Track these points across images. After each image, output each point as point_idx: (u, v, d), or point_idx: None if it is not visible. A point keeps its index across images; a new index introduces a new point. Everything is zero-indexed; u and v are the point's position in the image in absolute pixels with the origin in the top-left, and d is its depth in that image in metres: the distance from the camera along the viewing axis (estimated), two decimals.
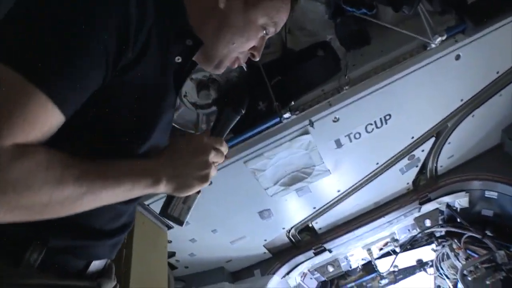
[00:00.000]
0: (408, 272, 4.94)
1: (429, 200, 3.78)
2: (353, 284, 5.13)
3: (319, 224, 3.77)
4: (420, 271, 4.82)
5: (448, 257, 4.25)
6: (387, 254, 4.52)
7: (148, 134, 1.16)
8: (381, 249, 4.43)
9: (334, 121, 2.77)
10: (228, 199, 3.13)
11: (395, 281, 5.04)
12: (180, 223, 1.32)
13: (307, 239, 3.92)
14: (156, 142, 1.21)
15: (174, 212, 1.30)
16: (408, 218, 3.96)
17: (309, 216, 3.61)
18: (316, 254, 3.94)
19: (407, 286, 5.13)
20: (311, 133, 2.77)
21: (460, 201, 3.86)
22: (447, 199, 3.82)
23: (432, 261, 4.58)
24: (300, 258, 3.99)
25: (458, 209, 3.96)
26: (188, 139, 1.24)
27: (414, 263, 4.71)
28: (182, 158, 1.19)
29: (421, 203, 3.77)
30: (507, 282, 3.71)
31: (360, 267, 4.84)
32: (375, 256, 4.53)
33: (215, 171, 1.27)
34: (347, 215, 3.79)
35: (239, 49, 1.31)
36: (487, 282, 3.74)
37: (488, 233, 3.86)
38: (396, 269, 4.65)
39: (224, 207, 3.19)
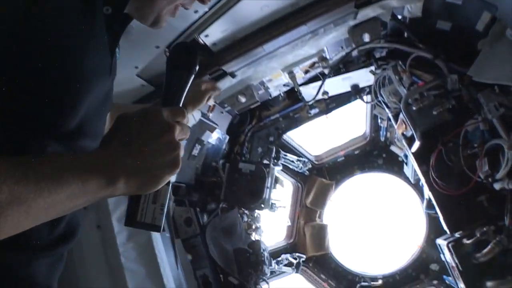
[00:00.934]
0: (341, 100, 4.15)
1: (370, 3, 2.72)
2: (277, 115, 4.35)
3: (211, 37, 2.63)
4: (356, 98, 3.95)
5: (390, 82, 3.43)
6: (316, 78, 3.54)
7: (73, 100, 0.94)
8: (307, 72, 3.42)
9: None
10: None
11: (326, 110, 4.27)
12: (157, 229, 1.08)
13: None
14: (89, 120, 1.03)
15: (145, 218, 1.03)
16: (340, 28, 2.91)
17: (190, 25, 2.45)
18: (213, 80, 2.89)
19: (340, 115, 4.53)
20: None
21: (411, 7, 2.86)
22: (394, 2, 2.77)
23: (370, 87, 3.65)
24: None
25: (407, 20, 3.02)
26: (142, 116, 0.96)
27: (349, 89, 3.77)
28: (141, 143, 0.92)
29: (358, 6, 2.69)
30: (455, 112, 3.12)
31: (283, 95, 3.89)
32: (301, 81, 3.57)
33: (183, 150, 1.00)
34: (251, 23, 2.63)
35: None
36: (434, 112, 3.09)
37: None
38: (326, 96, 3.72)
39: None
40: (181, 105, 1.14)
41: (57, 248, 1.08)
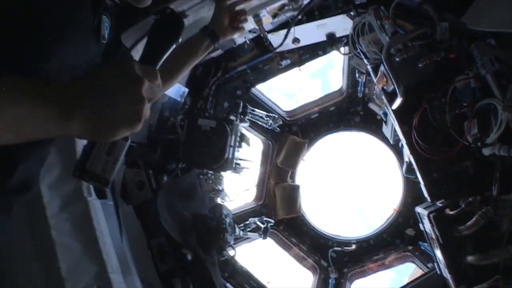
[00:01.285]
0: (316, 50, 3.72)
1: None
2: (245, 67, 3.94)
3: None
4: (332, 49, 3.52)
5: (371, 30, 3.00)
6: (287, 25, 3.08)
7: (44, 44, 1.00)
8: (275, 15, 2.93)
9: None
10: None
11: (300, 62, 3.86)
12: (106, 182, 1.06)
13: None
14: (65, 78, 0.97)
15: (95, 167, 1.03)
16: None
17: None
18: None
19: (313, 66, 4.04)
20: None
21: None
22: None
23: (347, 37, 3.21)
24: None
25: None
26: (114, 64, 0.96)
27: (324, 39, 3.33)
28: (105, 87, 0.90)
29: None
30: (443, 65, 2.77)
31: (249, 43, 3.41)
32: (269, 27, 3.10)
33: (148, 110, 0.96)
34: None
35: None
36: (419, 65, 2.72)
37: None
38: (298, 44, 3.26)
39: None
40: (157, 67, 1.13)
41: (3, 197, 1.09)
